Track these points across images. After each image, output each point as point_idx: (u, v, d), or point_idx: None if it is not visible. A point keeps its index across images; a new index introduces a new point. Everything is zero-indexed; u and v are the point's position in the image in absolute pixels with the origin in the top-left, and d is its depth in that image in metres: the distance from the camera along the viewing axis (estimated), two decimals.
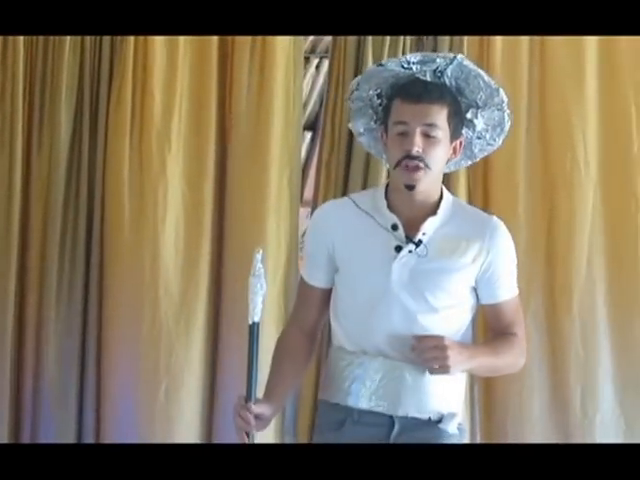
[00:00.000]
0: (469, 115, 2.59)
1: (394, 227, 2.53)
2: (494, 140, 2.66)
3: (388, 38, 4.02)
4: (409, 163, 2.48)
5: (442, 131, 2.49)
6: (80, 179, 4.12)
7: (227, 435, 3.69)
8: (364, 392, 2.53)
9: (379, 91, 2.61)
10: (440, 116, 2.49)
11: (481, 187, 4.04)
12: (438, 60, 2.54)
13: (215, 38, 4.11)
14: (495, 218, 2.62)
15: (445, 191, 2.60)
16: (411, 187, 2.50)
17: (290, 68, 4.11)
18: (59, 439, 4.03)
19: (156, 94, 4.08)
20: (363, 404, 2.53)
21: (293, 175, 4.12)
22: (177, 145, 4.09)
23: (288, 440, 4.07)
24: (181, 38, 4.08)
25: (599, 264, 3.96)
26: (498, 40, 4.01)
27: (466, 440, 2.75)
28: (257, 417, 2.49)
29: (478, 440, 3.99)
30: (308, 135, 5.89)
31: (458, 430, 2.57)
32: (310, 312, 2.69)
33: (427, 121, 2.48)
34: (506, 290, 2.62)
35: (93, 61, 4.14)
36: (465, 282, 2.56)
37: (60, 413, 4.06)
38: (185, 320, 4.06)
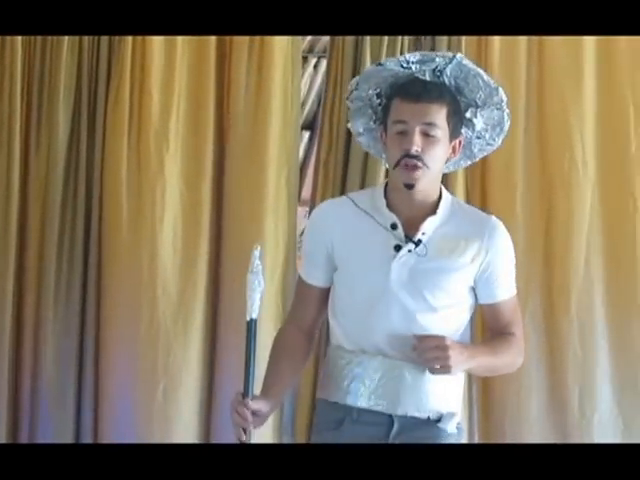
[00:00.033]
0: (468, 114, 2.59)
1: (393, 226, 2.53)
2: (493, 140, 2.66)
3: (386, 38, 4.03)
4: (408, 162, 2.48)
5: (441, 130, 2.49)
6: (78, 179, 4.12)
7: (225, 435, 3.70)
8: (363, 391, 2.53)
9: (378, 91, 2.61)
10: (439, 115, 2.49)
11: (479, 187, 4.05)
12: (437, 59, 2.54)
13: (213, 38, 4.11)
14: (494, 218, 2.62)
15: (444, 191, 2.60)
16: (410, 186, 2.50)
17: (288, 68, 4.11)
18: (57, 439, 4.03)
19: (154, 94, 4.08)
20: (362, 403, 2.53)
21: (291, 175, 4.13)
22: (175, 145, 4.10)
23: (286, 439, 4.07)
24: (179, 38, 4.08)
25: (597, 264, 3.97)
26: (496, 40, 4.01)
27: (464, 440, 2.75)
28: (254, 413, 2.48)
29: (476, 440, 3.99)
30: (306, 135, 5.89)
31: (457, 430, 2.57)
32: (308, 311, 2.68)
33: (426, 120, 2.48)
34: (504, 290, 2.62)
35: (91, 61, 4.14)
36: (464, 282, 2.56)
37: (58, 413, 4.06)
38: (183, 320, 4.06)
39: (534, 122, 4.02)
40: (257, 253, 2.51)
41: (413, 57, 2.55)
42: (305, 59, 4.94)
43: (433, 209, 2.55)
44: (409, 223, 2.53)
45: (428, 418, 2.54)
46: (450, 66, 2.54)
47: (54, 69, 4.12)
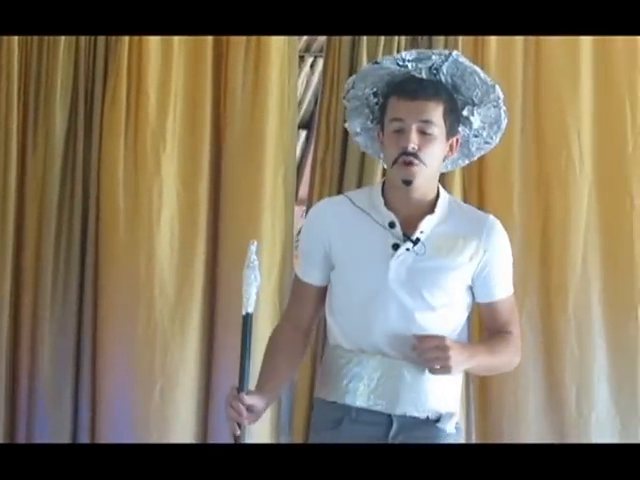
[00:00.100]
0: (465, 112, 2.59)
1: (391, 225, 2.53)
2: (491, 138, 2.66)
3: (383, 38, 4.03)
4: (405, 159, 2.47)
5: (438, 128, 2.49)
6: (75, 179, 4.11)
7: (222, 435, 3.70)
8: (362, 390, 2.53)
9: (375, 89, 2.61)
10: (436, 113, 2.49)
11: (476, 186, 4.05)
12: (433, 57, 2.54)
13: (210, 38, 4.11)
14: (492, 217, 2.62)
15: (442, 189, 2.60)
16: (408, 182, 2.50)
17: (285, 67, 4.12)
18: (54, 439, 4.02)
19: (151, 94, 4.08)
20: (361, 402, 2.53)
21: (288, 174, 4.13)
22: (172, 144, 4.09)
23: (283, 439, 4.07)
24: (176, 38, 4.08)
25: (594, 263, 3.97)
26: (493, 40, 4.01)
27: (463, 440, 2.75)
28: (249, 409, 2.47)
29: (474, 439, 3.99)
30: (303, 134, 5.90)
31: (455, 429, 2.57)
32: (304, 309, 2.68)
33: (423, 118, 2.48)
34: (502, 289, 2.63)
35: (88, 61, 4.14)
36: (462, 280, 2.56)
37: (55, 413, 4.06)
38: (180, 320, 4.06)
39: (531, 122, 4.02)
40: (253, 248, 2.52)
41: (409, 55, 2.55)
42: (302, 58, 4.95)
43: (431, 208, 2.55)
44: (407, 222, 2.53)
45: (427, 418, 2.53)
46: (446, 64, 2.54)
47: (51, 69, 4.11)
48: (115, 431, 4.01)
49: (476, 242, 2.55)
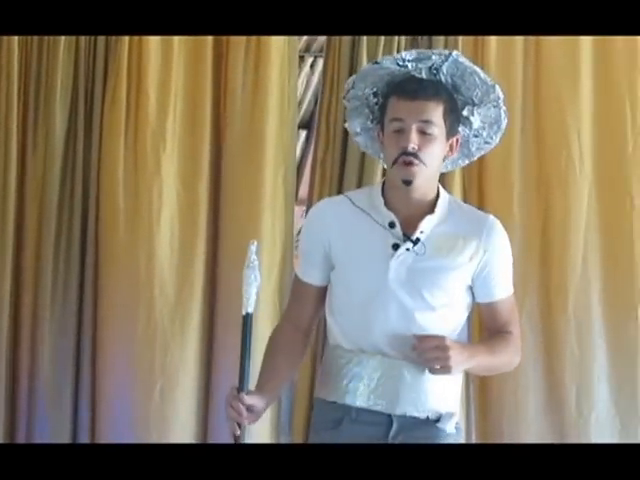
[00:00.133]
0: (465, 112, 2.59)
1: (391, 225, 2.53)
2: (491, 138, 2.66)
3: (383, 38, 4.03)
4: (405, 159, 2.48)
5: (438, 128, 2.49)
6: (75, 179, 4.11)
7: (222, 435, 3.70)
8: (362, 390, 2.53)
9: (375, 89, 2.61)
10: (436, 113, 2.49)
11: (476, 186, 4.05)
12: (433, 57, 2.54)
13: (210, 38, 4.11)
14: (492, 217, 2.62)
15: (442, 189, 2.60)
16: (408, 182, 2.50)
17: (285, 67, 4.12)
18: (54, 439, 4.02)
19: (151, 94, 4.08)
20: (361, 402, 2.52)
21: (288, 174, 4.13)
22: (172, 144, 4.09)
23: (283, 439, 4.07)
24: (176, 38, 4.08)
25: (594, 263, 3.97)
26: (493, 40, 4.01)
27: (463, 440, 2.75)
28: (249, 409, 2.47)
29: (474, 439, 3.99)
30: (303, 134, 5.90)
31: (455, 429, 2.56)
32: (304, 309, 2.68)
33: (423, 117, 2.48)
34: (502, 289, 2.63)
35: (88, 61, 4.14)
36: (462, 280, 2.56)
37: (55, 413, 4.06)
38: (180, 320, 4.05)
39: (531, 122, 4.02)
40: (253, 248, 2.52)
41: (409, 55, 2.55)
42: (302, 58, 4.95)
43: (431, 208, 2.55)
44: (407, 222, 2.53)
45: (427, 418, 2.53)
46: (446, 64, 2.54)
47: (51, 69, 4.11)
48: (115, 431, 4.01)
49: (476, 242, 2.55)
